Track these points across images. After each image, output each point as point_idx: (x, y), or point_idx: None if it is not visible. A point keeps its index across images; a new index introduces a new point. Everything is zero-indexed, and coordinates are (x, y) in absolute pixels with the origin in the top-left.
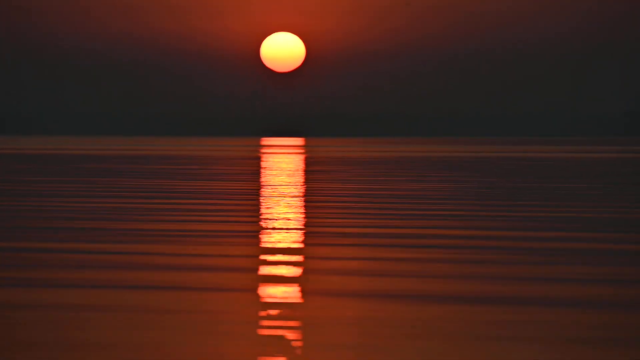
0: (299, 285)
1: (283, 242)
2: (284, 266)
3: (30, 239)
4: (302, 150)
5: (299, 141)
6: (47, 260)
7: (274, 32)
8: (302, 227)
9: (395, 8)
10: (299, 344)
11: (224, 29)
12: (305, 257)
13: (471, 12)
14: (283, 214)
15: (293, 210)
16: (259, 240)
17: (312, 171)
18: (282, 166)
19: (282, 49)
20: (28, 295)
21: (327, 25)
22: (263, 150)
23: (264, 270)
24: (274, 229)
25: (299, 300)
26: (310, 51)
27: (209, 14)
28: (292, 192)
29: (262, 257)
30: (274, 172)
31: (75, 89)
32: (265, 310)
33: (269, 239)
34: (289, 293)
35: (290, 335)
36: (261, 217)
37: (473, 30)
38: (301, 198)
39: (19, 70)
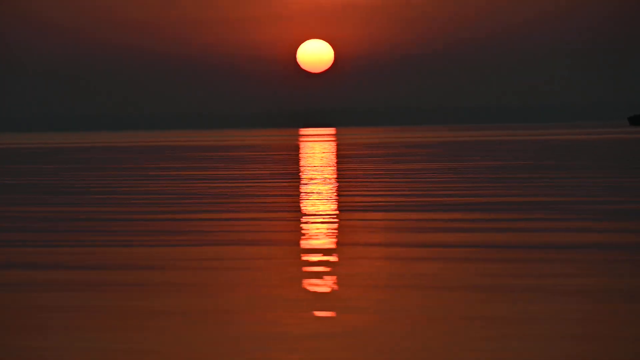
0: None
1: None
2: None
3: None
4: (336, 139)
5: (331, 131)
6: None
7: (308, 39)
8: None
9: (410, 22)
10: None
11: (266, 40)
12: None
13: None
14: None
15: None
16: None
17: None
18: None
19: (315, 54)
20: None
21: (352, 33)
22: (302, 139)
23: None
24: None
25: None
26: (338, 55)
27: (253, 27)
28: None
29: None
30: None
31: (147, 91)
32: None
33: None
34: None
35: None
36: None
37: (473, 35)
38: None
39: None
